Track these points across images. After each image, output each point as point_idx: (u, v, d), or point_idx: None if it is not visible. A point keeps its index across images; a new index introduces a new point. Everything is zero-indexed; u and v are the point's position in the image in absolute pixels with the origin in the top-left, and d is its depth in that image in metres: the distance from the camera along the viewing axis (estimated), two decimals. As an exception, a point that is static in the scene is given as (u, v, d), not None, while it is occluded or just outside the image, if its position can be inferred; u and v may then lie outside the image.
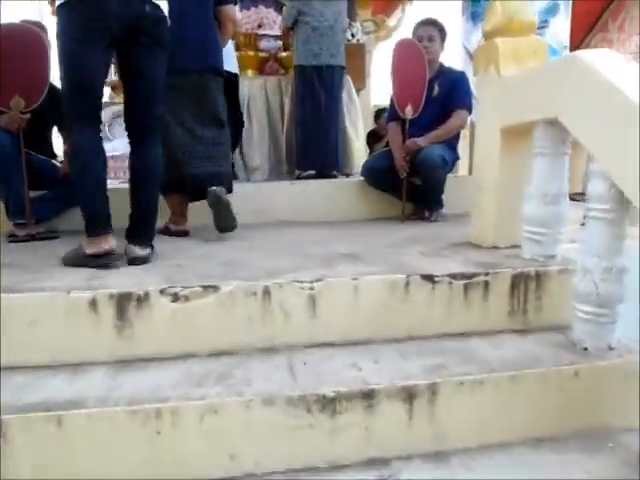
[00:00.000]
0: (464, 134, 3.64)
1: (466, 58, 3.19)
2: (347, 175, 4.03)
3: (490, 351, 1.48)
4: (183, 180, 2.41)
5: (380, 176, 2.99)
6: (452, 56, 3.57)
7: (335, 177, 3.81)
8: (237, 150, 3.78)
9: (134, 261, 1.84)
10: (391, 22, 7.26)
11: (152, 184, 1.98)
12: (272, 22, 4.66)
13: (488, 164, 1.93)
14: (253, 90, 4.05)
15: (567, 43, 3.29)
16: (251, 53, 4.29)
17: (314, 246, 2.13)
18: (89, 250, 1.81)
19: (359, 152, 4.15)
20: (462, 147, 4.23)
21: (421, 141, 2.81)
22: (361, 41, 4.93)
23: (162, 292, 1.46)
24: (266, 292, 1.49)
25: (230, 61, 3.43)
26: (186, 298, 1.47)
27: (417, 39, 2.94)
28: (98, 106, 1.89)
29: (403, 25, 6.89)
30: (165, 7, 1.87)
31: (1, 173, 2.48)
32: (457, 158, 3.10)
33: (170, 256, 1.95)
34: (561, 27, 3.33)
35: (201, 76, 2.45)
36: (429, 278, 1.54)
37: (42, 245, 2.38)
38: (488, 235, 1.95)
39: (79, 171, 1.86)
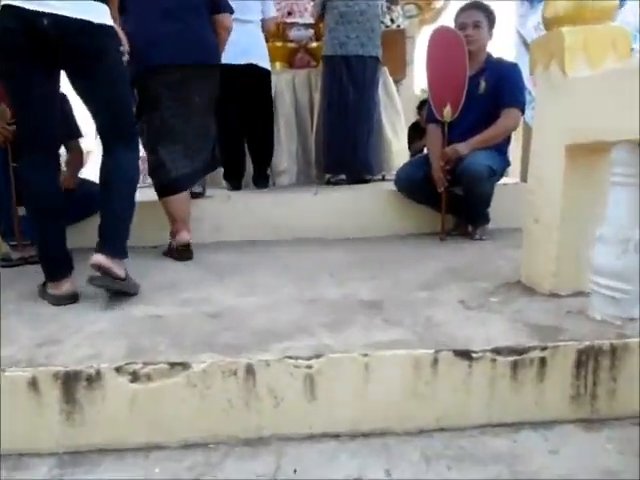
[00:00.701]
0: (516, 135, 3.17)
1: (521, 47, 2.71)
2: (383, 178, 3.64)
3: (545, 457, 1.09)
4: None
5: (416, 187, 2.59)
6: (503, 44, 3.07)
7: (368, 181, 3.43)
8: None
9: (97, 270, 1.62)
10: (437, 3, 6.69)
11: (120, 193, 1.74)
12: (303, 9, 4.28)
13: (547, 190, 1.51)
14: (280, 85, 3.70)
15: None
16: (279, 44, 3.94)
17: (328, 283, 1.79)
18: (51, 290, 1.67)
19: (399, 152, 3.74)
20: (513, 149, 3.75)
21: (463, 148, 2.39)
22: (402, 26, 4.47)
23: (118, 370, 1.16)
24: (250, 371, 1.16)
25: (258, 54, 3.12)
26: (148, 377, 1.16)
27: (459, 26, 2.49)
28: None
29: (451, 6, 6.31)
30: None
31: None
32: (507, 164, 2.65)
33: (152, 298, 1.65)
34: (630, 10, 2.77)
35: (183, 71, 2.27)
36: (465, 355, 1.17)
37: (29, 272, 2.14)
38: (545, 279, 1.54)
39: (28, 209, 1.74)
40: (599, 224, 1.30)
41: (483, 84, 2.50)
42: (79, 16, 1.54)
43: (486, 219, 2.53)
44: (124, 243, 1.73)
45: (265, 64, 3.23)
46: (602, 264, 1.28)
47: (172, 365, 1.17)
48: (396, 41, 4.26)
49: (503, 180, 2.74)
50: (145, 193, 2.50)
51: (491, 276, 1.79)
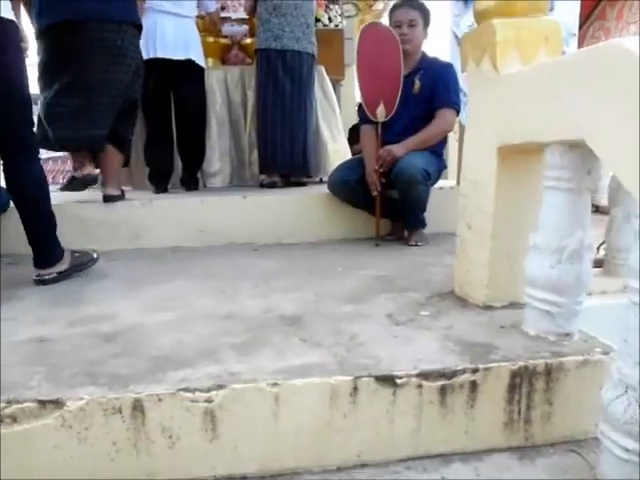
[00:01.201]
0: (454, 137, 3.13)
1: (455, 47, 2.65)
2: (321, 180, 3.51)
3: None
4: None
5: (350, 190, 2.47)
6: (438, 44, 3.02)
7: (304, 185, 3.30)
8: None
9: (37, 283, 1.79)
10: (378, 5, 6.69)
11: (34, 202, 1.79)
12: (237, 4, 4.10)
13: (480, 194, 1.41)
14: (212, 82, 3.49)
15: (576, 30, 2.74)
16: (211, 39, 3.72)
17: (249, 295, 1.61)
18: None
19: (336, 154, 3.61)
20: (451, 150, 3.73)
21: (398, 150, 2.29)
22: (340, 26, 4.38)
23: (-24, 411, 0.94)
24: (138, 408, 0.97)
25: (196, 50, 3.02)
26: (13, 419, 0.95)
27: (394, 24, 2.40)
28: None
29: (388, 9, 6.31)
30: None
31: None
32: (444, 167, 2.58)
33: (42, 316, 1.42)
34: (568, 9, 2.77)
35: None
36: (388, 381, 1.03)
37: None
38: (478, 289, 1.44)
39: None
40: (533, 231, 1.21)
41: (418, 84, 2.41)
42: None
43: (422, 224, 2.45)
44: (54, 251, 1.83)
45: (201, 61, 3.08)
46: (535, 275, 1.19)
47: (42, 403, 0.96)
48: (334, 40, 4.17)
49: (440, 183, 2.68)
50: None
51: (423, 286, 1.68)
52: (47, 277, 1.81)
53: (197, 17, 3.40)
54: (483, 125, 1.38)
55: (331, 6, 4.50)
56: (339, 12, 4.57)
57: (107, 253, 2.33)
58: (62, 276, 1.84)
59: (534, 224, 1.22)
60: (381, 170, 2.32)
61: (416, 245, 2.39)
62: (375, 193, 2.34)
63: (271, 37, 3.02)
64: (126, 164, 2.77)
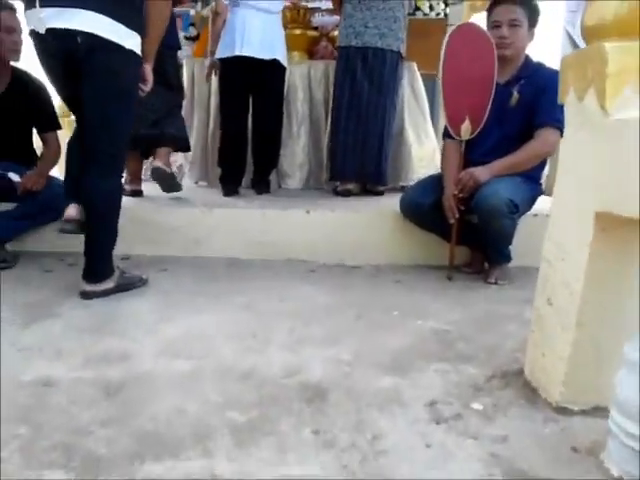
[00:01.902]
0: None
1: (569, 50, 2.21)
2: (402, 188, 3.22)
3: None
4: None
5: (423, 215, 2.19)
6: (547, 46, 2.56)
7: (381, 193, 3.05)
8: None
9: (82, 296, 1.78)
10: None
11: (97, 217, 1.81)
12: (330, -8, 3.84)
13: (566, 265, 1.10)
14: (294, 78, 3.33)
15: None
16: (298, 31, 3.54)
17: (282, 344, 1.43)
18: None
19: (421, 159, 3.30)
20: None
21: (482, 174, 1.96)
22: (441, 15, 3.98)
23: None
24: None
25: (281, 50, 2.90)
26: (-26, 497, 0.86)
27: (492, 25, 2.04)
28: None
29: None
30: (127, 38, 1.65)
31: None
32: (539, 194, 2.19)
33: (69, 350, 1.35)
34: None
35: None
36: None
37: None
38: (553, 383, 1.13)
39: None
40: (631, 339, 0.89)
41: (516, 95, 2.04)
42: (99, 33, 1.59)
43: (506, 258, 2.10)
44: (105, 268, 1.83)
45: (285, 61, 2.95)
46: (627, 399, 0.87)
47: (1, 488, 0.86)
48: (434, 31, 3.78)
49: (535, 208, 2.29)
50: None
51: (489, 354, 1.39)
52: (91, 293, 1.78)
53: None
54: (580, 180, 1.05)
55: (433, -8, 4.11)
56: (442, -1, 4.17)
57: (163, 258, 2.30)
58: (106, 294, 1.80)
59: (633, 320, 0.90)
60: (460, 195, 2.01)
61: (496, 283, 2.06)
62: (452, 221, 2.04)
63: (352, 33, 2.78)
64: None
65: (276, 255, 2.36)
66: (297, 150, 3.36)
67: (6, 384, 1.17)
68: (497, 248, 2.07)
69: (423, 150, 3.27)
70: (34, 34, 1.65)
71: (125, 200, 2.50)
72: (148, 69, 1.79)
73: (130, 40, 1.66)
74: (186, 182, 3.61)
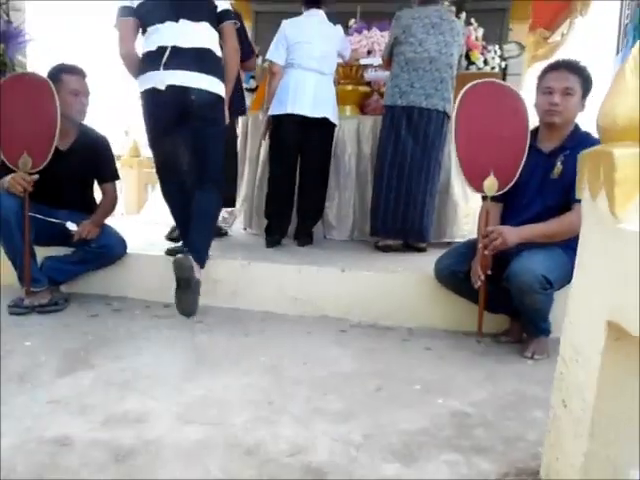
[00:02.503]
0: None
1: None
2: (448, 244, 3.18)
3: None
4: None
5: (458, 283, 2.14)
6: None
7: (423, 250, 3.01)
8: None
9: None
10: (555, 37, 5.97)
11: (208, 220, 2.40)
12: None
13: (580, 369, 1.04)
14: (343, 132, 3.41)
15: None
16: (349, 87, 3.64)
17: (295, 415, 1.44)
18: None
19: (467, 216, 3.25)
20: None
21: (510, 235, 1.91)
22: (496, 69, 3.96)
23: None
24: None
25: (332, 108, 3.03)
26: None
27: (544, 91, 1.99)
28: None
29: (568, 42, 5.58)
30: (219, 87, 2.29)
31: (7, 238, 2.25)
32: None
33: (93, 406, 1.42)
34: None
35: None
36: None
37: (28, 324, 2.05)
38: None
39: None
40: None
41: (559, 167, 1.98)
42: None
43: (544, 332, 2.00)
44: (203, 257, 2.28)
45: (335, 119, 3.06)
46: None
47: None
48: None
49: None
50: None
51: (507, 447, 1.32)
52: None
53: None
54: (593, 282, 1.01)
55: (489, 47, 4.11)
56: (498, 53, 4.15)
57: (202, 308, 2.38)
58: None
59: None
60: (487, 252, 1.96)
61: (532, 358, 1.96)
62: (477, 286, 1.99)
63: (397, 93, 2.83)
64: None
65: (310, 311, 2.39)
66: (343, 202, 3.42)
67: (30, 439, 1.26)
68: (533, 322, 1.98)
69: (469, 207, 3.22)
70: (151, 91, 2.19)
71: (165, 253, 2.64)
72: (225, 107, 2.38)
73: (221, 87, 2.29)
74: (236, 227, 3.77)
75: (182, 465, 1.18)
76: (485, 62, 3.97)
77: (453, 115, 2.06)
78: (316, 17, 3.03)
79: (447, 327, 2.28)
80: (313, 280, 2.41)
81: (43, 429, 1.30)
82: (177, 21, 2.23)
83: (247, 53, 3.15)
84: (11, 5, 2.47)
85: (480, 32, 4.22)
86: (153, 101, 2.23)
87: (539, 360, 1.96)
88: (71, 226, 2.39)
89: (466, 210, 3.21)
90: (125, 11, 2.26)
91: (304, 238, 3.08)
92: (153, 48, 2.21)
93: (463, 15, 4.14)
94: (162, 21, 2.22)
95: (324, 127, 3.01)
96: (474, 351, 2.05)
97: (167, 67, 2.16)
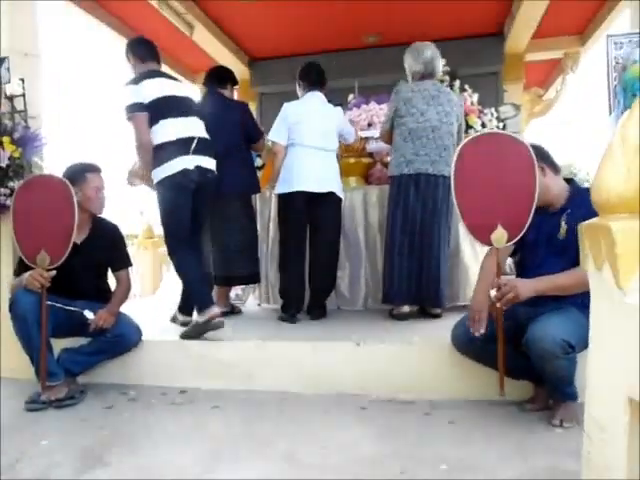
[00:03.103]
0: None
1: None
2: (464, 307, 3.14)
3: None
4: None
5: (477, 350, 2.10)
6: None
7: (438, 316, 2.98)
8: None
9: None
10: (549, 94, 6.18)
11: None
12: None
13: (607, 448, 0.99)
14: (351, 203, 3.49)
15: None
16: (352, 160, 3.77)
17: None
18: None
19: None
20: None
21: (524, 288, 1.88)
22: (495, 130, 4.07)
23: None
24: None
25: (337, 183, 3.17)
26: None
27: None
28: None
29: (562, 98, 5.76)
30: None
31: (24, 334, 2.28)
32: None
33: None
34: None
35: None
36: None
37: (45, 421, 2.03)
38: None
39: None
40: None
41: (564, 226, 1.99)
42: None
43: (570, 397, 1.92)
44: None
45: (341, 192, 3.17)
46: None
47: None
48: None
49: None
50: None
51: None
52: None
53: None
54: (606, 357, 0.99)
55: (485, 110, 4.25)
56: (495, 115, 4.29)
57: (217, 393, 2.36)
58: None
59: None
60: (498, 305, 1.93)
61: (561, 426, 1.88)
62: (476, 334, 1.95)
63: (403, 162, 2.91)
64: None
65: (327, 388, 2.33)
66: (354, 272, 3.43)
67: None
68: (558, 388, 1.91)
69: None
70: (182, 171, 2.55)
71: (180, 337, 2.64)
72: None
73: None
74: (250, 302, 3.78)
75: None
76: (483, 125, 4.09)
77: (452, 169, 2.07)
78: (317, 98, 3.19)
79: (470, 397, 2.21)
80: (328, 356, 2.38)
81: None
82: (187, 116, 2.66)
83: (256, 135, 3.31)
84: (29, 114, 2.65)
85: (475, 97, 4.37)
86: (182, 179, 2.57)
87: (569, 428, 1.87)
88: (88, 314, 2.42)
89: (477, 270, 3.19)
90: (138, 107, 2.57)
91: (317, 311, 3.07)
92: (173, 138, 2.58)
93: (457, 82, 4.32)
94: (176, 116, 2.62)
95: (331, 201, 3.09)
96: (500, 422, 1.97)
97: (195, 152, 2.61)
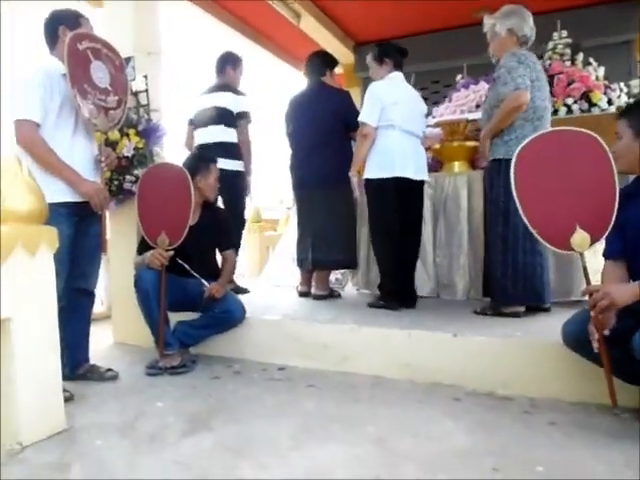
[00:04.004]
0: None
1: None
2: (578, 303, 2.90)
3: None
4: None
5: (589, 346, 1.93)
6: None
7: (547, 310, 2.79)
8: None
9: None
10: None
11: None
12: (493, 100, 3.88)
13: None
14: (455, 188, 3.38)
15: None
16: (456, 144, 3.62)
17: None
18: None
19: (597, 273, 2.94)
20: None
21: (620, 294, 1.71)
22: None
23: None
24: None
25: (426, 170, 3.13)
26: None
27: None
28: None
29: None
30: None
31: (146, 307, 2.55)
32: None
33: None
34: None
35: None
36: None
37: (160, 385, 2.28)
38: None
39: None
40: None
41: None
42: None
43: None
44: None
45: (427, 178, 3.14)
46: None
47: None
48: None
49: None
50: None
51: None
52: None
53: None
54: None
55: (613, 85, 3.82)
56: (625, 90, 3.84)
57: (314, 372, 2.45)
58: None
59: None
60: (592, 314, 1.76)
61: (685, 442, 1.68)
62: (596, 349, 1.79)
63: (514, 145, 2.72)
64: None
65: (421, 377, 2.32)
66: (457, 261, 3.33)
67: None
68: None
69: (599, 261, 2.92)
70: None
71: (281, 318, 2.77)
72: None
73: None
74: (349, 289, 3.84)
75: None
76: (609, 102, 3.69)
77: (513, 174, 1.94)
78: (403, 80, 3.07)
79: (576, 399, 2.06)
80: (424, 345, 2.35)
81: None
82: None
83: (355, 123, 3.21)
84: (151, 107, 2.92)
85: (601, 71, 3.96)
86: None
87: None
88: (206, 283, 2.65)
89: (596, 265, 2.91)
90: (190, 121, 3.66)
91: (409, 299, 3.02)
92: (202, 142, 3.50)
93: (580, 56, 3.94)
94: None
95: (419, 189, 3.07)
96: (608, 429, 1.81)
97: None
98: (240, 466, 1.57)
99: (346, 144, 3.38)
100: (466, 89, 4.07)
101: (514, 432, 1.81)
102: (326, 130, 3.22)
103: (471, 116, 3.69)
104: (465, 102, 3.92)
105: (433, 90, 5.74)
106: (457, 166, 3.61)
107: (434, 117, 3.95)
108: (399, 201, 2.95)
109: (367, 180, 3.00)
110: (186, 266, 2.64)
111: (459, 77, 4.41)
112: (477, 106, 3.90)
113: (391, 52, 3.09)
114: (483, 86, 3.97)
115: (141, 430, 1.83)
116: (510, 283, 2.67)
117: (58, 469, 1.55)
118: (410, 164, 2.93)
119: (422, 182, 3.02)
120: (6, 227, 1.62)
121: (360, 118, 2.98)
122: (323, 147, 3.21)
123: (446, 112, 3.95)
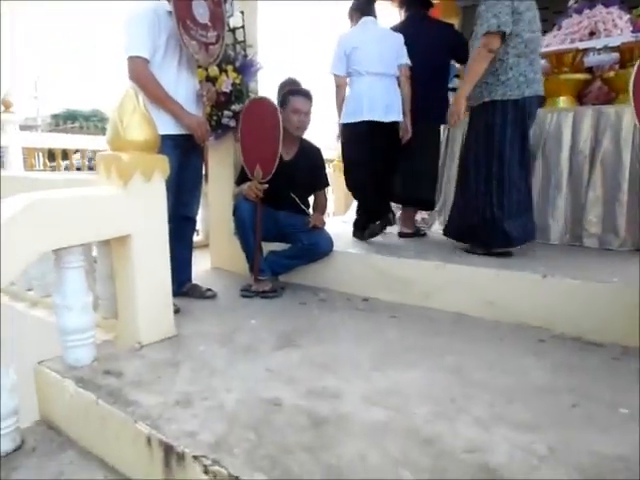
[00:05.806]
0: None
1: None
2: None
3: None
4: None
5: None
6: None
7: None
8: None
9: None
10: None
11: None
12: (611, 27, 3.49)
13: None
14: (557, 126, 3.16)
15: None
16: (563, 76, 3.33)
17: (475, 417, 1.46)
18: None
19: None
20: None
21: None
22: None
23: (195, 459, 1.26)
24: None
25: (398, 111, 3.06)
26: (215, 475, 1.22)
27: None
28: None
29: None
30: None
31: (242, 236, 2.75)
32: None
33: (291, 380, 1.69)
34: None
35: None
36: None
37: (252, 306, 2.49)
38: None
39: None
40: None
41: None
42: None
43: None
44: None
45: (400, 119, 3.06)
46: None
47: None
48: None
49: None
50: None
51: None
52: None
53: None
54: None
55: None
56: None
57: (396, 306, 2.54)
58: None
59: None
60: None
61: None
62: None
63: (524, 82, 2.57)
64: None
65: (506, 317, 2.31)
66: (555, 203, 3.16)
67: (251, 397, 1.56)
68: None
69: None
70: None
71: (365, 251, 2.84)
72: None
73: None
74: (435, 228, 3.81)
75: (365, 441, 1.33)
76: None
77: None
78: (371, 24, 3.02)
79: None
80: (511, 285, 2.32)
81: (261, 391, 1.60)
82: None
83: (465, 55, 3.04)
84: (247, 43, 2.99)
85: None
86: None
87: None
88: (311, 212, 2.89)
89: None
90: None
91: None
92: None
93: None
94: None
95: (394, 129, 3.05)
96: None
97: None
98: (325, 377, 1.72)
99: (445, 82, 3.33)
100: (579, 14, 3.68)
101: (599, 375, 1.78)
102: (436, 65, 3.20)
103: (582, 45, 3.36)
104: (578, 30, 3.56)
105: (542, 18, 5.23)
106: (562, 101, 3.35)
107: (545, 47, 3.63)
108: (371, 142, 2.97)
109: (341, 125, 3.08)
110: (296, 198, 2.80)
111: (572, 1, 3.99)
112: (591, 33, 3.54)
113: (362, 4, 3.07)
114: (601, 10, 3.58)
115: (237, 341, 2.04)
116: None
117: (171, 365, 1.79)
118: (379, 107, 2.91)
119: (394, 123, 3.01)
120: (127, 155, 1.81)
121: (329, 70, 3.06)
122: (435, 81, 3.21)
123: (554, 41, 3.62)
